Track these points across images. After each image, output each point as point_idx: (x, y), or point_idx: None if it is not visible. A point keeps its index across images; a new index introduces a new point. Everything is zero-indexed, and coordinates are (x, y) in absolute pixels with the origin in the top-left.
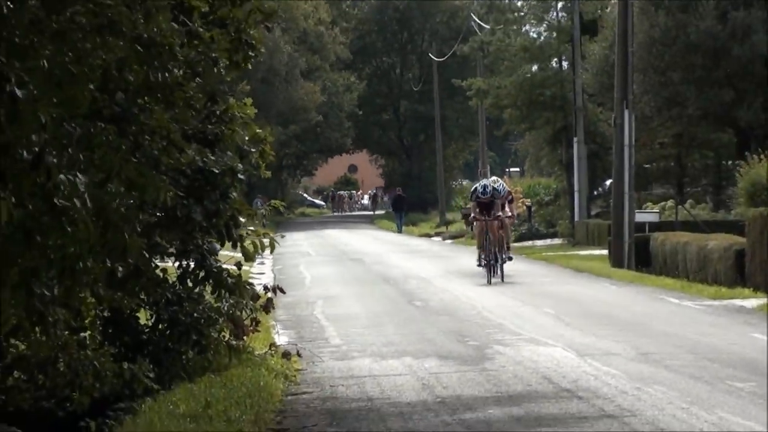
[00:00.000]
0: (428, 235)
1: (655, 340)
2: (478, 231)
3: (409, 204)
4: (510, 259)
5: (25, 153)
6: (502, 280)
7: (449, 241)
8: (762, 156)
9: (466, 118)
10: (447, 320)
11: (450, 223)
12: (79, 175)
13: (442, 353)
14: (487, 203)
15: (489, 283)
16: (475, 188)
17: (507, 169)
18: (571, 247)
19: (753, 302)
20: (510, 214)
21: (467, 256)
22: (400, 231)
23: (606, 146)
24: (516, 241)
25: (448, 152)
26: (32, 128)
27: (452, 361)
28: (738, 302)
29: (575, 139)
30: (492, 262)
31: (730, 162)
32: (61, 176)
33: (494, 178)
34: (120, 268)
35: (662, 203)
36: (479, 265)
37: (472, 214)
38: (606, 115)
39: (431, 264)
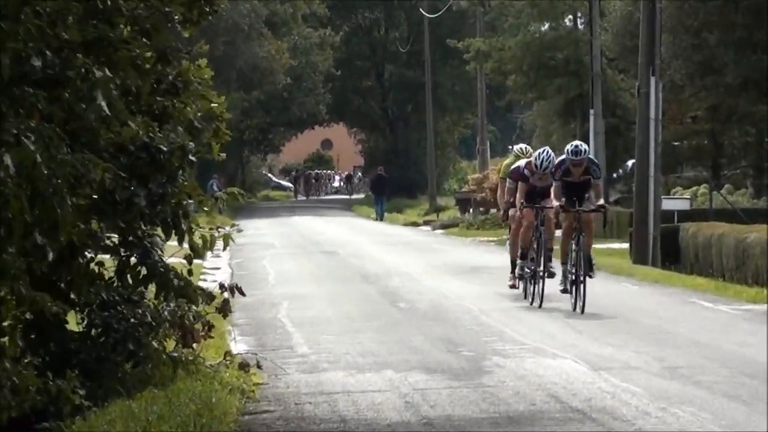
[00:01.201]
0: (415, 224)
1: (683, 352)
2: (565, 231)
3: (393, 187)
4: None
5: None
6: (583, 309)
7: (440, 231)
8: None
9: (462, 85)
10: (436, 326)
11: (441, 210)
12: (6, 156)
13: (430, 365)
14: (580, 186)
15: (576, 310)
16: (562, 161)
17: (510, 146)
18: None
19: None
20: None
21: (461, 249)
22: (380, 218)
23: (628, 120)
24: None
25: (441, 126)
26: None
27: (442, 374)
28: None
29: (592, 111)
30: (572, 278)
31: None
32: None
33: (537, 153)
34: (50, 253)
35: (694, 188)
36: (521, 281)
37: (556, 203)
38: (628, 84)
39: (418, 258)
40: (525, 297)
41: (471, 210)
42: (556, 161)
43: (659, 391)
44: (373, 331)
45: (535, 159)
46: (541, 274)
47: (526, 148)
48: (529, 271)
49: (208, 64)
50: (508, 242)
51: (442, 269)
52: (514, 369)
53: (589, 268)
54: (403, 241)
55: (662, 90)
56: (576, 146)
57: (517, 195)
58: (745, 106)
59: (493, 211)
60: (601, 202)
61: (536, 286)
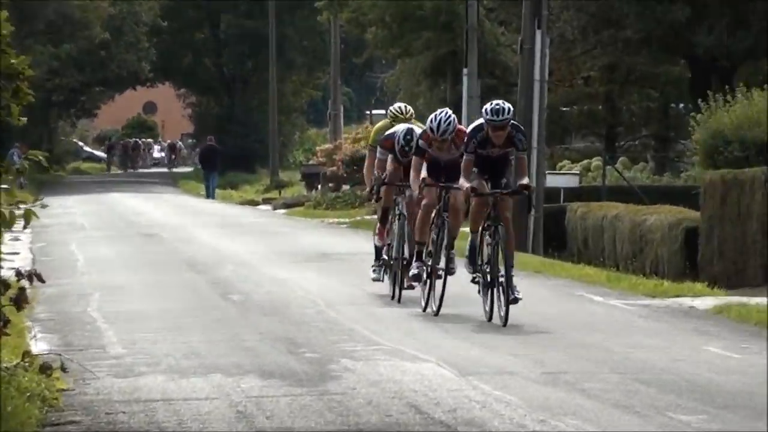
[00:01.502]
0: (253, 203)
1: (567, 355)
2: (474, 218)
3: (227, 159)
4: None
5: None
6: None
7: (282, 211)
8: (728, 96)
9: (312, 39)
10: (275, 322)
11: (284, 187)
12: None
13: (267, 369)
14: (498, 162)
15: (494, 321)
16: (478, 128)
17: (369, 112)
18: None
19: (708, 302)
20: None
21: (307, 233)
22: (211, 196)
23: (509, 81)
24: (374, 213)
25: (287, 87)
26: None
27: (280, 380)
28: (687, 301)
29: (465, 71)
30: (483, 279)
31: (681, 105)
32: None
33: (434, 114)
34: None
35: (585, 162)
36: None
37: (466, 184)
38: (510, 38)
39: (256, 243)
40: (393, 298)
41: (319, 186)
42: (470, 127)
43: (538, 401)
44: (200, 328)
45: (431, 121)
46: (440, 273)
47: (405, 107)
48: (424, 269)
49: (9, 17)
50: (372, 268)
51: (284, 256)
52: (367, 373)
53: (510, 288)
54: (238, 222)
55: (549, 46)
56: (497, 105)
57: (412, 172)
58: (646, 66)
59: (345, 187)
60: (525, 181)
61: (432, 288)
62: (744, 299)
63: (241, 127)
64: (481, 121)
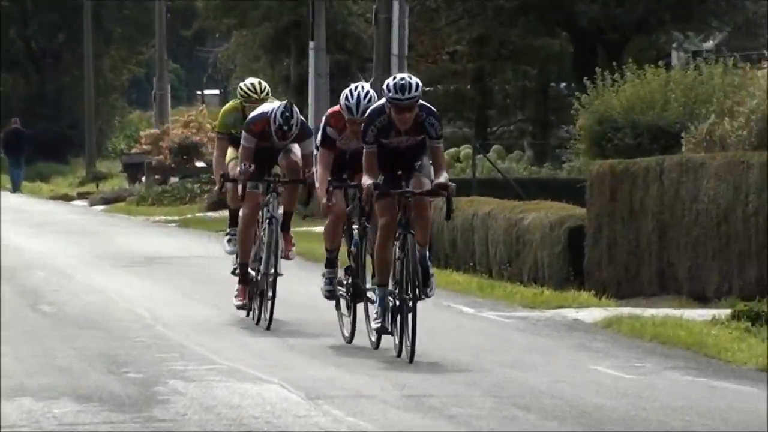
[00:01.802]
0: (67, 198)
1: (434, 375)
2: (384, 230)
3: (36, 146)
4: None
5: None
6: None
7: (100, 207)
8: (616, 75)
9: (135, 7)
10: (93, 338)
11: (103, 179)
12: None
13: (84, 392)
14: (408, 153)
15: (403, 356)
16: (378, 110)
17: (200, 92)
18: (302, 221)
19: (596, 313)
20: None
21: (130, 233)
22: (17, 189)
23: (363, 56)
24: (207, 209)
25: (105, 63)
26: None
27: (99, 404)
28: (571, 313)
29: (312, 45)
30: (394, 303)
31: (563, 85)
32: None
33: (348, 91)
34: None
35: (452, 150)
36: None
37: (368, 180)
38: (363, 7)
39: (71, 245)
40: (258, 323)
41: (144, 179)
42: (369, 110)
43: (399, 428)
44: (5, 343)
45: (346, 99)
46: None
47: (260, 84)
48: (343, 288)
49: None
50: (226, 237)
51: (104, 260)
52: (200, 397)
53: (424, 284)
54: (50, 221)
55: (409, 16)
56: (403, 79)
57: (319, 170)
58: (521, 39)
59: (174, 180)
60: (443, 179)
61: (355, 313)
62: (637, 311)
63: (52, 110)
64: (381, 101)
